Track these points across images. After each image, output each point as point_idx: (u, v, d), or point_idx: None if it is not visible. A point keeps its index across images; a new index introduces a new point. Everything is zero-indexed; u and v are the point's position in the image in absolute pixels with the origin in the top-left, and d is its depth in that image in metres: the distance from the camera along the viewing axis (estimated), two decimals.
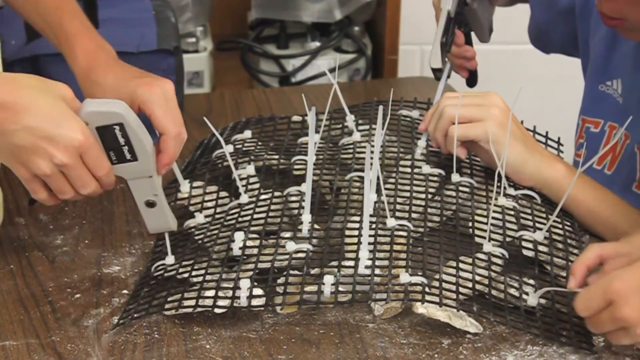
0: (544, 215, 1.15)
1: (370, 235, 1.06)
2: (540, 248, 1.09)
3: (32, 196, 1.03)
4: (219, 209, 1.19)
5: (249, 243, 1.09)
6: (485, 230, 1.09)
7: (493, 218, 1.12)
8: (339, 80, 1.31)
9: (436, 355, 0.98)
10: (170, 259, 1.09)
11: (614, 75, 1.31)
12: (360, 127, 1.33)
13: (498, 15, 1.46)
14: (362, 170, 1.16)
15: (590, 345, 0.98)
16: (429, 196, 1.17)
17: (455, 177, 1.19)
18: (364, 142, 1.30)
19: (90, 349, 0.99)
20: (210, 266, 1.07)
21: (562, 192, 1.14)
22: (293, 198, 1.17)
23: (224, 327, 1.02)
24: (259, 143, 1.34)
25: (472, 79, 1.45)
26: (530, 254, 1.09)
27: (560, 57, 1.52)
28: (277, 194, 1.19)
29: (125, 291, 1.08)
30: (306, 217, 1.11)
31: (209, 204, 1.20)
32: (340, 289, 1.01)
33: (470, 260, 1.06)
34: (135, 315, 1.02)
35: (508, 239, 1.10)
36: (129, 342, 1.00)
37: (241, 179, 1.21)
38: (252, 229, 1.12)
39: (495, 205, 1.15)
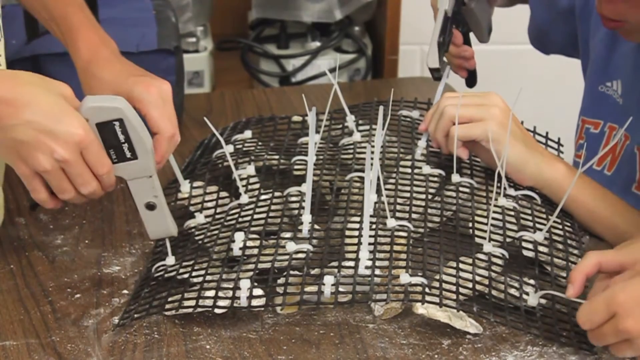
0: (544, 215, 1.15)
1: (370, 236, 1.06)
2: (541, 248, 1.09)
3: (32, 196, 1.03)
4: (219, 209, 1.19)
5: (249, 243, 1.09)
6: (486, 231, 1.09)
7: (493, 218, 1.12)
8: (339, 81, 1.31)
9: (436, 356, 0.98)
10: (170, 260, 1.09)
11: (614, 76, 1.31)
12: (361, 128, 1.34)
13: (498, 15, 1.46)
14: (363, 171, 1.16)
15: (590, 345, 0.98)
16: (429, 197, 1.17)
17: (456, 178, 1.19)
18: (364, 142, 1.30)
19: (90, 349, 0.99)
20: (211, 266, 1.07)
21: (563, 192, 1.14)
22: (293, 198, 1.17)
23: (224, 327, 1.02)
24: (259, 143, 1.34)
25: (471, 79, 1.45)
26: (531, 254, 1.09)
27: (560, 58, 1.52)
28: (277, 194, 1.19)
29: (125, 291, 1.08)
30: (306, 217, 1.11)
31: (209, 204, 1.20)
32: (341, 289, 1.01)
33: (470, 260, 1.06)
34: (135, 315, 1.02)
35: (508, 240, 1.11)
36: (129, 342, 1.00)
37: (241, 179, 1.21)
38: (253, 229, 1.12)
39: (495, 205, 1.15)
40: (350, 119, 1.34)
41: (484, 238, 1.09)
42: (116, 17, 1.46)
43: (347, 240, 1.09)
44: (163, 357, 0.98)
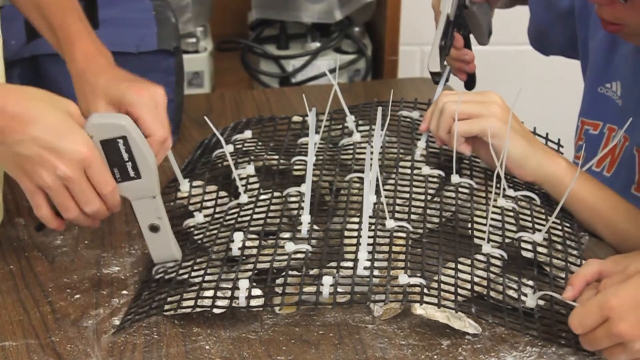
0: (543, 216, 1.15)
1: (369, 236, 1.06)
2: (540, 249, 1.09)
3: (35, 212, 1.03)
4: (218, 209, 1.19)
5: (248, 243, 1.09)
6: (485, 232, 1.09)
7: (492, 219, 1.12)
8: (339, 81, 1.31)
9: (435, 357, 0.98)
10: (170, 262, 1.10)
11: (614, 78, 1.31)
12: (361, 128, 1.34)
13: (498, 16, 1.46)
14: (362, 171, 1.16)
15: None
16: (429, 197, 1.17)
17: (455, 179, 1.19)
18: (363, 142, 1.30)
19: (89, 349, 0.99)
20: (210, 266, 1.07)
21: (563, 187, 1.15)
22: (292, 198, 1.18)
23: (223, 327, 1.02)
24: (259, 143, 1.34)
25: (470, 82, 1.45)
26: (530, 255, 1.09)
27: (559, 59, 1.52)
28: (276, 194, 1.19)
29: (124, 292, 1.08)
30: (305, 217, 1.11)
31: (209, 204, 1.20)
32: (339, 289, 1.01)
33: (469, 261, 1.06)
34: (136, 317, 1.02)
35: (507, 240, 1.11)
36: (129, 342, 1.00)
37: (241, 179, 1.21)
38: (252, 229, 1.12)
39: (494, 206, 1.15)
40: (350, 120, 1.34)
41: (483, 239, 1.09)
42: (116, 17, 1.46)
43: (346, 241, 1.09)
44: (162, 357, 0.98)
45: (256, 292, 1.01)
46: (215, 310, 1.00)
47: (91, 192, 1.01)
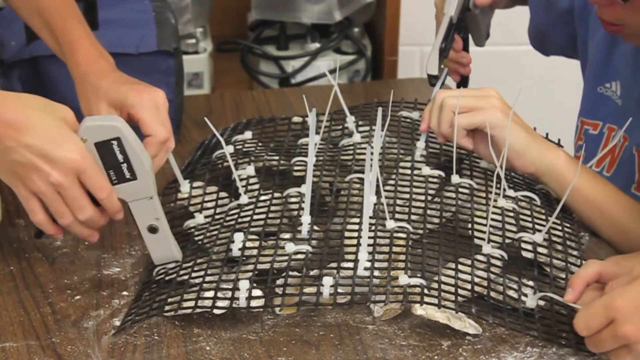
0: (543, 216, 1.15)
1: (369, 237, 1.06)
2: (540, 250, 1.09)
3: (30, 218, 1.04)
4: (218, 210, 1.19)
5: (249, 244, 1.09)
6: (485, 232, 1.09)
7: (492, 219, 1.12)
8: (339, 82, 1.31)
9: (436, 357, 0.98)
10: (171, 262, 1.10)
11: (613, 77, 1.32)
12: (361, 129, 1.34)
13: (498, 16, 1.46)
14: (362, 172, 1.16)
15: None
16: (429, 198, 1.18)
17: (455, 179, 1.20)
18: (364, 143, 1.30)
19: (90, 350, 0.99)
20: (210, 267, 1.07)
21: (563, 178, 1.15)
22: (293, 199, 1.18)
23: (223, 328, 1.02)
24: (259, 144, 1.34)
25: (463, 84, 1.45)
26: (530, 255, 1.09)
27: (559, 59, 1.52)
28: (276, 195, 1.19)
29: (125, 293, 1.08)
30: (306, 218, 1.11)
31: (209, 205, 1.20)
32: (339, 290, 1.01)
33: (469, 261, 1.06)
34: (136, 318, 1.02)
35: (507, 241, 1.11)
36: (129, 343, 1.00)
37: (241, 180, 1.21)
38: (252, 229, 1.12)
39: (494, 206, 1.15)
40: (351, 120, 1.34)
41: (483, 239, 1.09)
42: (116, 18, 1.46)
43: (347, 242, 1.09)
44: (163, 358, 0.98)
45: (256, 292, 1.01)
46: (216, 311, 1.00)
47: (84, 199, 1.02)
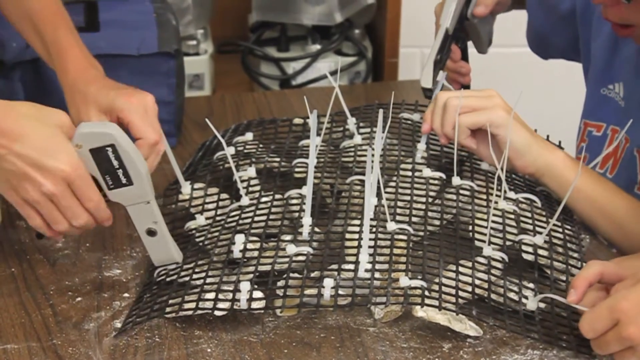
0: (544, 219, 1.15)
1: (370, 239, 1.06)
2: (540, 252, 1.09)
3: (29, 223, 1.05)
4: (219, 211, 1.19)
5: (250, 246, 1.09)
6: (486, 234, 1.09)
7: (493, 222, 1.12)
8: (340, 84, 1.30)
9: (436, 359, 0.98)
10: (172, 264, 1.10)
11: (616, 79, 1.32)
12: (362, 130, 1.34)
13: (499, 18, 1.46)
14: (363, 174, 1.16)
15: (589, 349, 0.98)
16: (430, 200, 1.18)
17: (456, 181, 1.19)
18: (365, 145, 1.30)
19: (91, 352, 0.99)
20: (211, 268, 1.07)
21: (562, 178, 1.16)
22: (294, 201, 1.18)
23: (225, 330, 1.02)
24: (261, 145, 1.34)
25: None
26: (530, 257, 1.09)
27: (560, 61, 1.52)
28: (277, 196, 1.19)
29: (126, 294, 1.08)
30: (306, 220, 1.11)
31: (210, 206, 1.20)
32: (340, 292, 1.01)
33: (470, 264, 1.06)
34: (137, 320, 1.02)
35: (508, 243, 1.11)
36: (130, 345, 1.00)
37: (242, 181, 1.22)
38: (253, 231, 1.12)
39: (495, 209, 1.15)
40: (352, 122, 1.34)
41: (484, 241, 1.09)
42: (117, 20, 1.46)
43: (347, 244, 1.09)
44: None
45: (257, 294, 1.01)
46: (217, 313, 1.00)
47: (77, 207, 1.03)
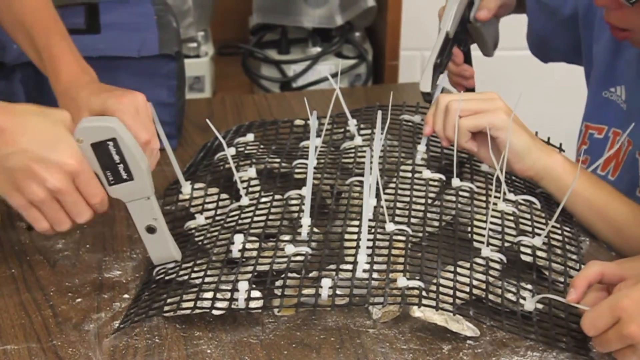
0: (543, 220, 1.15)
1: (369, 240, 1.06)
2: (539, 253, 1.09)
3: (35, 227, 1.04)
4: (219, 211, 1.19)
5: (249, 245, 1.10)
6: (484, 235, 1.09)
7: (492, 223, 1.12)
8: (340, 86, 1.31)
9: None
10: (171, 262, 1.10)
11: (618, 82, 1.32)
12: (362, 132, 1.34)
13: (500, 21, 1.46)
14: (363, 175, 1.16)
15: (587, 350, 0.99)
16: (429, 201, 1.18)
17: (456, 182, 1.20)
18: (365, 146, 1.30)
19: (91, 353, 0.99)
20: (210, 268, 1.07)
21: (560, 181, 1.16)
22: (293, 201, 1.18)
23: (224, 331, 1.02)
24: (261, 146, 1.34)
25: None
26: (529, 259, 1.09)
27: (561, 64, 1.52)
28: (277, 197, 1.19)
29: (126, 295, 1.08)
30: (306, 220, 1.12)
31: (210, 206, 1.20)
32: (338, 292, 1.01)
33: (468, 264, 1.06)
34: (135, 318, 1.02)
35: (507, 244, 1.11)
36: (130, 346, 1.00)
37: (242, 182, 1.22)
38: (252, 231, 1.12)
39: (494, 210, 1.15)
40: (352, 123, 1.34)
41: (483, 242, 1.09)
42: (117, 22, 1.46)
43: (346, 244, 1.09)
44: None
45: (255, 294, 1.01)
46: (215, 312, 1.00)
47: (82, 204, 1.03)
